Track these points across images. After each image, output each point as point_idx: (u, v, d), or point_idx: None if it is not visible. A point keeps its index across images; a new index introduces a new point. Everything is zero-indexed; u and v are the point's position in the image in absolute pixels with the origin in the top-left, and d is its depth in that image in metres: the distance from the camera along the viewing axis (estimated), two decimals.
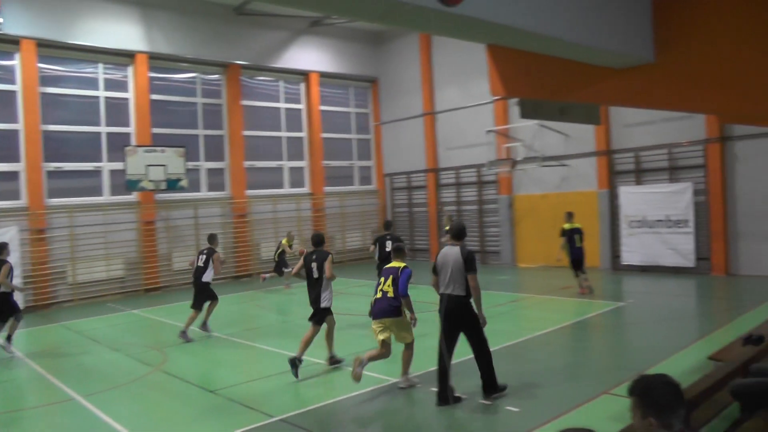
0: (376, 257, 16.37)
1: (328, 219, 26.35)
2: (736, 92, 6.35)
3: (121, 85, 21.20)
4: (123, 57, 21.02)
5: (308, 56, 25.83)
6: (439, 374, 8.31)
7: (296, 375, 9.76)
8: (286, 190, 25.57)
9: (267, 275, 20.51)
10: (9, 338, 12.67)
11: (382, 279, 9.55)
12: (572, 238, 16.13)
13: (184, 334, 13.15)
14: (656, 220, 18.88)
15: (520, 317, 14.23)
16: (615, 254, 20.31)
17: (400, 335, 9.17)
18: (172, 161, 20.66)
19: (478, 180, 24.62)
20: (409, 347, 9.20)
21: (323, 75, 26.58)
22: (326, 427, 7.96)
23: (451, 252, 8.42)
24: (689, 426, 3.28)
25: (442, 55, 25.63)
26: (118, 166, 20.36)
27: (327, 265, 10.34)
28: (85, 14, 19.78)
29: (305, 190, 26.12)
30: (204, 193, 23.03)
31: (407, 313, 9.24)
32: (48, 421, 8.78)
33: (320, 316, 10.42)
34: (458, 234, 8.56)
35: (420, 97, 26.56)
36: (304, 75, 26.05)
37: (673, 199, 18.52)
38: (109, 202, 20.51)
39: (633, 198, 19.33)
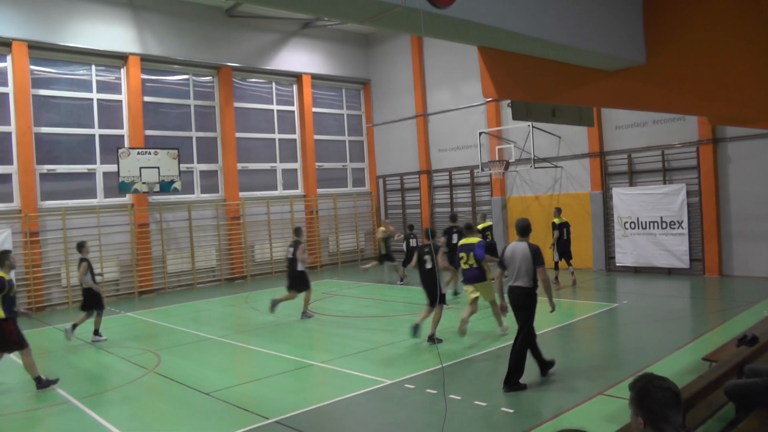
0: (446, 248, 16.55)
1: (321, 221, 26.35)
2: (726, 94, 6.37)
3: (113, 87, 21.15)
4: (115, 59, 20.98)
5: (300, 58, 25.85)
6: (533, 354, 9.19)
7: (434, 342, 11.66)
8: (279, 191, 25.54)
9: (368, 265, 21.20)
10: (96, 332, 13.95)
11: (464, 255, 11.84)
12: (563, 232, 17.39)
13: (305, 314, 15.28)
14: (650, 222, 18.91)
15: (514, 318, 14.21)
16: (609, 255, 20.35)
17: (488, 295, 11.87)
18: (165, 163, 20.65)
19: (471, 182, 24.65)
20: (493, 303, 11.80)
21: (315, 77, 26.58)
22: (322, 429, 7.96)
23: (518, 247, 9.10)
24: (684, 427, 3.28)
25: (433, 56, 25.67)
26: (111, 168, 20.33)
27: (438, 257, 11.84)
28: (77, 16, 19.74)
29: (298, 191, 26.11)
30: (197, 195, 23.00)
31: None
32: (43, 425, 8.76)
33: (440, 300, 12.15)
34: (524, 231, 9.25)
35: (412, 99, 26.59)
36: (296, 77, 26.04)
37: (666, 200, 18.55)
38: (103, 205, 20.45)
39: (626, 199, 19.37)
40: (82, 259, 13.79)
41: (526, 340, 8.99)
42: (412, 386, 9.15)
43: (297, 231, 15.71)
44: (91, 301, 13.66)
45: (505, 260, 9.19)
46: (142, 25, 21.16)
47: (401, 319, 14.59)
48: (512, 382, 8.80)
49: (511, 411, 7.93)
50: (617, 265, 19.90)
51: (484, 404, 8.21)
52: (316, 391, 9.55)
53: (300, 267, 15.09)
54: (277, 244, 24.64)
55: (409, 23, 4.84)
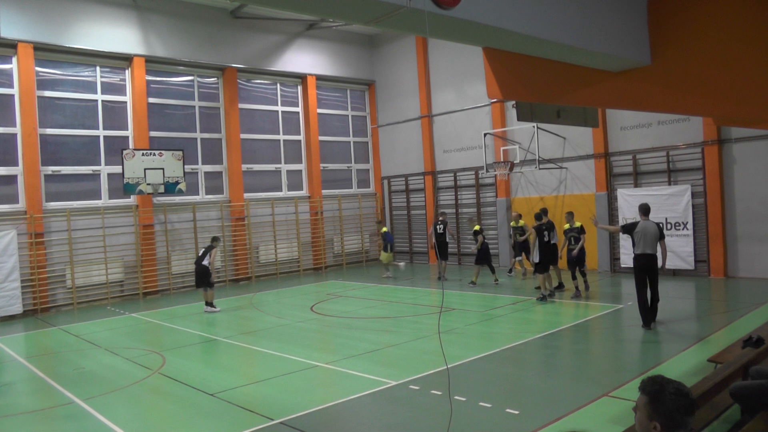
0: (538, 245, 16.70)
1: (326, 222, 26.35)
2: (731, 95, 6.36)
3: (118, 89, 21.19)
4: (120, 60, 21.02)
5: (305, 59, 25.86)
6: (640, 309, 12.26)
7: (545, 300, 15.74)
8: (284, 193, 25.56)
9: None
10: (211, 304, 17.26)
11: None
12: (570, 239, 16.59)
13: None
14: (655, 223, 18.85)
15: (519, 320, 14.22)
16: (614, 257, 20.32)
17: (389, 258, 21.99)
18: (170, 164, 20.69)
19: (476, 183, 24.64)
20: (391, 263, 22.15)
21: (320, 78, 26.59)
22: (326, 430, 7.95)
23: (649, 224, 12.23)
24: (691, 429, 3.26)
25: (438, 57, 25.66)
26: (116, 169, 20.38)
27: (556, 233, 16.59)
28: (82, 18, 19.79)
29: (303, 192, 26.13)
30: (202, 197, 23.03)
31: None
32: (47, 425, 8.77)
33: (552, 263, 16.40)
34: (647, 211, 12.42)
35: (417, 100, 26.59)
36: (301, 78, 26.06)
37: (671, 201, 18.52)
38: (107, 206, 20.49)
39: (631, 200, 19.32)
40: (213, 248, 17.31)
41: (658, 291, 12.23)
42: (417, 387, 9.15)
43: (442, 213, 20.93)
44: (206, 279, 17.11)
45: (636, 234, 12.17)
46: (146, 27, 21.20)
47: (406, 321, 14.61)
48: (654, 320, 12.27)
49: (516, 412, 7.92)
50: (622, 266, 19.86)
51: (489, 406, 8.20)
52: (321, 392, 9.55)
53: (449, 239, 20.99)
54: (281, 245, 24.65)
55: (414, 24, 4.84)
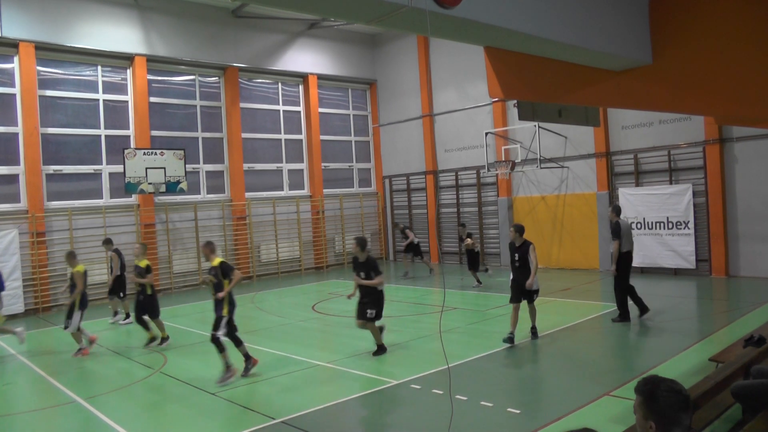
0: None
1: (328, 221, 26.35)
2: (732, 94, 6.35)
3: (119, 88, 21.20)
4: (121, 60, 21.03)
5: (306, 58, 25.87)
6: (618, 303, 12.81)
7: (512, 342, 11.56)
8: (285, 192, 25.56)
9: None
10: (127, 315, 16.04)
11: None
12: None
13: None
14: (656, 222, 18.86)
15: (520, 319, 14.20)
16: None
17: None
18: (172, 164, 20.69)
19: (477, 182, 24.63)
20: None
21: (321, 77, 26.59)
22: (328, 429, 7.95)
23: (627, 223, 12.96)
24: (691, 428, 3.27)
25: (440, 56, 25.64)
26: (117, 169, 20.39)
27: (532, 254, 11.72)
28: (84, 17, 19.80)
29: (304, 192, 26.13)
30: (203, 196, 23.04)
31: None
32: (49, 424, 8.78)
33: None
34: (620, 211, 12.89)
35: (418, 99, 26.59)
36: (303, 77, 26.06)
37: (672, 200, 18.50)
38: (109, 205, 20.50)
39: (633, 200, 19.32)
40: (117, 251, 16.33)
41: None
42: (418, 387, 9.15)
43: (464, 227, 19.18)
44: (121, 288, 16.32)
45: (623, 234, 12.44)
46: (148, 26, 21.21)
47: (407, 320, 14.60)
48: (645, 311, 12.95)
49: (518, 412, 7.92)
50: None
51: (490, 405, 8.20)
52: (322, 391, 9.56)
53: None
54: (283, 245, 24.65)
55: (416, 23, 4.83)
